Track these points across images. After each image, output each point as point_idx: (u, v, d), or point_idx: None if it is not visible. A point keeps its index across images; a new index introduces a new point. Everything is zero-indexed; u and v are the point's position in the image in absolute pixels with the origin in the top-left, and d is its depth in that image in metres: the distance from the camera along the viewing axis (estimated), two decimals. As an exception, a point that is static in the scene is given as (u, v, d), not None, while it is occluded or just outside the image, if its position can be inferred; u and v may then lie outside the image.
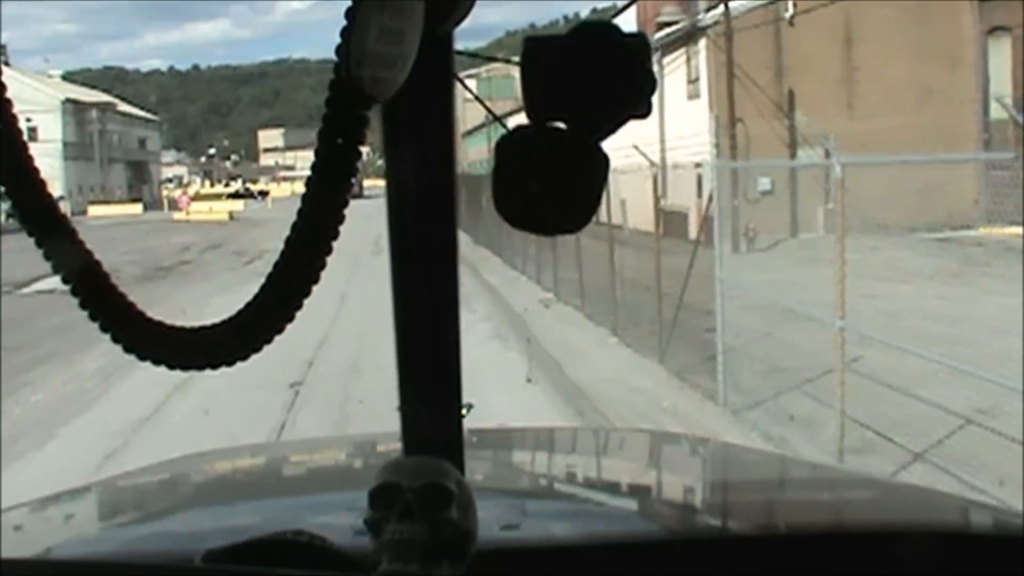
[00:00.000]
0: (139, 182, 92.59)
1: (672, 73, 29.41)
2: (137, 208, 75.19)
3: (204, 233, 44.86)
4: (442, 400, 1.24)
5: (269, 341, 1.00)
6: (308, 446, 3.54)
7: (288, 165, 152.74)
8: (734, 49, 25.78)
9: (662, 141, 30.02)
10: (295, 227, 0.99)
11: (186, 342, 0.99)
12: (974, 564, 1.43)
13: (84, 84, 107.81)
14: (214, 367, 1.00)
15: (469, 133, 61.98)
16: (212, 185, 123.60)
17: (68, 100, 78.10)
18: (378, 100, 0.98)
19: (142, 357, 0.99)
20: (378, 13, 0.93)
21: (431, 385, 1.24)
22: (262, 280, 1.00)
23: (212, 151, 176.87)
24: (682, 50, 28.51)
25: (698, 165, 27.71)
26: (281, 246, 1.01)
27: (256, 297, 1.00)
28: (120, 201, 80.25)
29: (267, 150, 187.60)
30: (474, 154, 59.13)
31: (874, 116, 25.28)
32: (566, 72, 1.06)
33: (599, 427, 8.55)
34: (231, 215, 60.56)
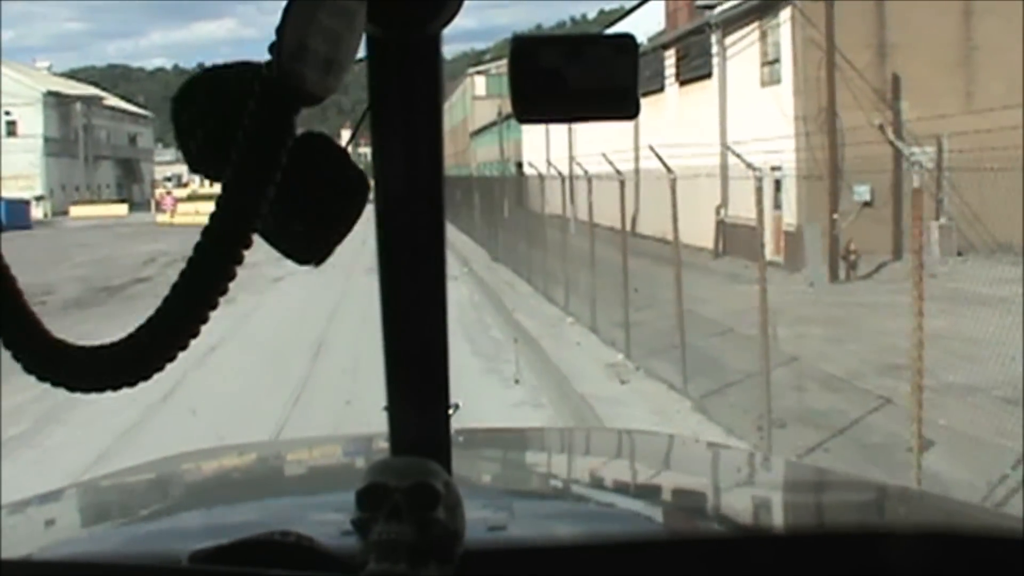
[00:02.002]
0: (129, 181, 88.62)
1: (738, 56, 23.95)
2: (123, 209, 71.36)
3: (184, 239, 39.62)
4: (430, 400, 1.24)
5: (167, 362, 0.91)
6: (296, 446, 3.41)
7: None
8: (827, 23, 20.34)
9: (723, 138, 24.58)
10: (203, 231, 0.91)
11: (83, 363, 0.91)
12: (966, 565, 1.42)
13: (87, 81, 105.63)
14: (114, 388, 0.91)
15: (478, 132, 59.90)
16: (212, 185, 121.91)
17: (50, 93, 73.39)
18: (306, 103, 0.91)
19: (41, 378, 0.91)
20: (315, 11, 0.90)
21: (419, 385, 1.24)
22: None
23: None
24: (754, 25, 23.06)
25: (775, 168, 22.35)
26: (263, 256, 1.04)
27: (155, 314, 0.91)
28: (106, 201, 75.94)
29: None
30: (484, 154, 57.29)
31: (997, 107, 19.79)
32: (553, 70, 1.12)
33: (587, 427, 8.33)
34: (219, 218, 55.35)
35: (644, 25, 33.93)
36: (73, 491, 2.40)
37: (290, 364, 13.01)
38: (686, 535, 1.64)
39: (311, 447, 2.99)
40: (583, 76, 1.12)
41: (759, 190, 12.01)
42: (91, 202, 73.85)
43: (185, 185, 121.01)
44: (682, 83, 28.56)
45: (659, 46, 30.21)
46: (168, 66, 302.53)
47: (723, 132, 24.85)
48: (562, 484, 2.22)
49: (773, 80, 22.16)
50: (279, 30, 0.89)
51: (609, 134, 32.15)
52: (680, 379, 10.62)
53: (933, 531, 1.59)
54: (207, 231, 0.91)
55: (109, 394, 0.93)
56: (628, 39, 1.16)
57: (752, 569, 1.44)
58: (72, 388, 0.92)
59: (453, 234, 35.60)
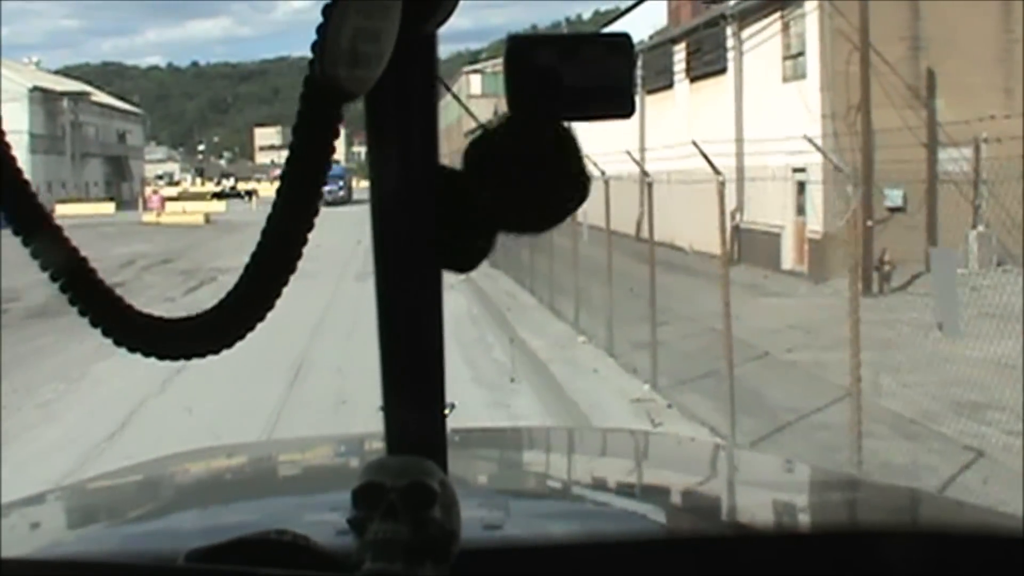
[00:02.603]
0: (118, 179, 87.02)
1: (756, 49, 22.33)
2: (109, 207, 69.63)
3: (166, 241, 38.67)
4: (425, 400, 1.24)
5: (246, 333, 1.00)
6: (292, 445, 3.40)
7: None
8: (856, 13, 18.72)
9: (739, 137, 23.00)
10: (270, 220, 0.98)
11: (167, 333, 1.00)
12: (965, 565, 1.42)
13: (81, 78, 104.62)
14: (200, 356, 1.01)
15: (473, 132, 57.23)
16: (204, 183, 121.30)
17: (36, 88, 71.60)
18: (352, 98, 0.97)
19: (132, 349, 0.99)
20: (354, 12, 0.93)
21: (414, 385, 1.24)
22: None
23: (202, 147, 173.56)
24: (774, 16, 21.44)
25: (798, 170, 20.74)
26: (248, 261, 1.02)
27: (232, 291, 1.00)
28: (93, 199, 74.31)
29: (263, 148, 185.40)
30: None
31: (1039, 107, 18.21)
32: (549, 70, 1.13)
33: (582, 427, 8.22)
34: (207, 218, 53.80)
35: (644, 23, 32.52)
36: (70, 491, 2.42)
37: (262, 391, 11.29)
38: (682, 534, 1.66)
39: (307, 447, 2.96)
40: (579, 75, 1.14)
41: (721, 194, 10.72)
42: (77, 200, 72.09)
43: (177, 183, 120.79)
44: (693, 79, 26.94)
45: (668, 40, 28.61)
46: (162, 64, 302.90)
47: (739, 130, 23.26)
48: (558, 483, 2.24)
49: (797, 75, 20.55)
50: (319, 29, 0.92)
51: (613, 133, 30.58)
52: (722, 419, 8.98)
53: (932, 531, 1.61)
54: (272, 218, 0.98)
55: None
56: (623, 38, 1.18)
57: (749, 569, 1.42)
58: (161, 356, 1.00)
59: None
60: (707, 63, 25.61)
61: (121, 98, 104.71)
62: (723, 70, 24.57)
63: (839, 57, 19.09)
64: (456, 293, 18.96)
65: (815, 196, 19.48)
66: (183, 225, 51.40)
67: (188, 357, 1.01)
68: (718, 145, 21.23)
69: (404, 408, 1.23)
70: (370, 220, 1.19)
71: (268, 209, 1.01)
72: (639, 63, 31.93)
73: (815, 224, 19.62)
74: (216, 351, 1.00)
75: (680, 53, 27.55)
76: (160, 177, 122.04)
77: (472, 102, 62.89)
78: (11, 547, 1.58)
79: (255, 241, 1.00)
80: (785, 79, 21.08)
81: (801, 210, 20.24)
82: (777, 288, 19.00)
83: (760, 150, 21.32)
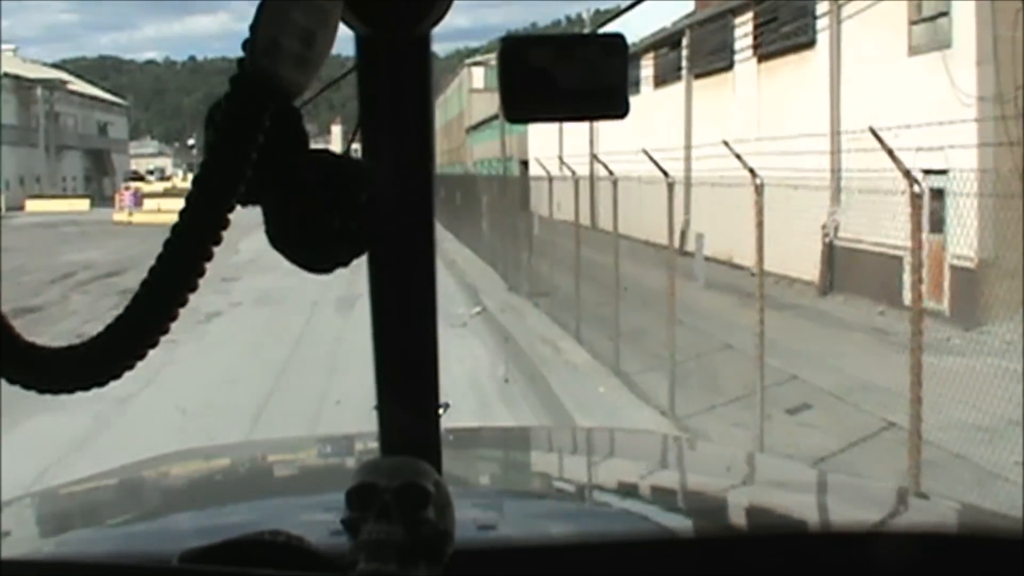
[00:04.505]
0: (99, 173, 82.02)
1: (865, 12, 17.05)
2: (84, 204, 64.37)
3: (128, 245, 33.73)
4: (419, 400, 1.24)
5: (134, 363, 0.92)
6: (285, 446, 3.26)
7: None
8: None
9: (835, 130, 17.83)
10: (173, 231, 0.90)
11: (44, 362, 0.91)
12: (964, 566, 1.42)
13: (75, 73, 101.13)
14: (83, 389, 0.92)
15: (475, 127, 57.28)
16: None
17: (7, 75, 66.29)
18: (277, 100, 0.91)
19: (11, 381, 0.91)
20: (289, 9, 0.90)
21: (408, 385, 1.24)
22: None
23: (192, 142, 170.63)
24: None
25: (932, 172, 15.53)
26: (220, 272, 0.89)
27: (124, 312, 0.91)
28: (68, 195, 69.26)
29: None
30: (481, 151, 54.42)
31: None
32: (544, 70, 1.12)
33: (576, 427, 8.00)
34: (183, 218, 48.47)
35: (655, 16, 27.92)
36: (62, 492, 2.33)
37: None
38: (677, 534, 1.65)
39: (302, 447, 2.94)
40: (573, 76, 1.14)
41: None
42: (52, 196, 67.14)
43: (167, 179, 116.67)
44: (763, 57, 21.68)
45: (727, 11, 23.36)
46: (159, 59, 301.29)
47: (834, 121, 18.01)
48: (552, 484, 2.23)
49: (935, 44, 15.25)
50: (252, 27, 0.90)
51: (651, 127, 25.42)
52: None
53: (931, 531, 1.60)
54: (176, 227, 0.91)
55: None
56: (618, 39, 1.17)
57: (745, 569, 1.42)
58: (41, 390, 0.92)
59: (453, 246, 28.58)
60: (786, 36, 20.36)
61: (107, 89, 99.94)
62: (810, 43, 19.33)
63: (1003, 17, 13.83)
64: (471, 337, 13.73)
65: (964, 209, 14.19)
66: (157, 225, 45.95)
67: (69, 391, 0.91)
68: (801, 141, 16.14)
69: (398, 408, 1.23)
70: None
71: (257, 208, 0.98)
72: (684, 41, 26.72)
73: (963, 247, 14.28)
74: (101, 383, 0.91)
75: (746, 25, 22.28)
76: (151, 172, 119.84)
77: (474, 96, 59.06)
78: (5, 548, 1.57)
79: (227, 245, 0.92)
80: (913, 50, 15.80)
81: (938, 227, 14.98)
82: (902, 328, 13.75)
83: (867, 145, 15.96)
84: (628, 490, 2.09)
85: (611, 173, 12.89)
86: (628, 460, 2.47)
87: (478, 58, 65.74)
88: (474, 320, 14.52)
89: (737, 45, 22.91)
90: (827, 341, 13.72)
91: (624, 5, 35.35)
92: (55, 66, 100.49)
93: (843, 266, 17.94)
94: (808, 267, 18.98)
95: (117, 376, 0.90)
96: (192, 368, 11.92)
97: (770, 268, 19.29)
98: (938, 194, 15.39)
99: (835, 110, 18.10)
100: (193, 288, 0.89)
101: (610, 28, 34.37)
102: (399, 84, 1.15)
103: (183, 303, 0.89)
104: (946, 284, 15.09)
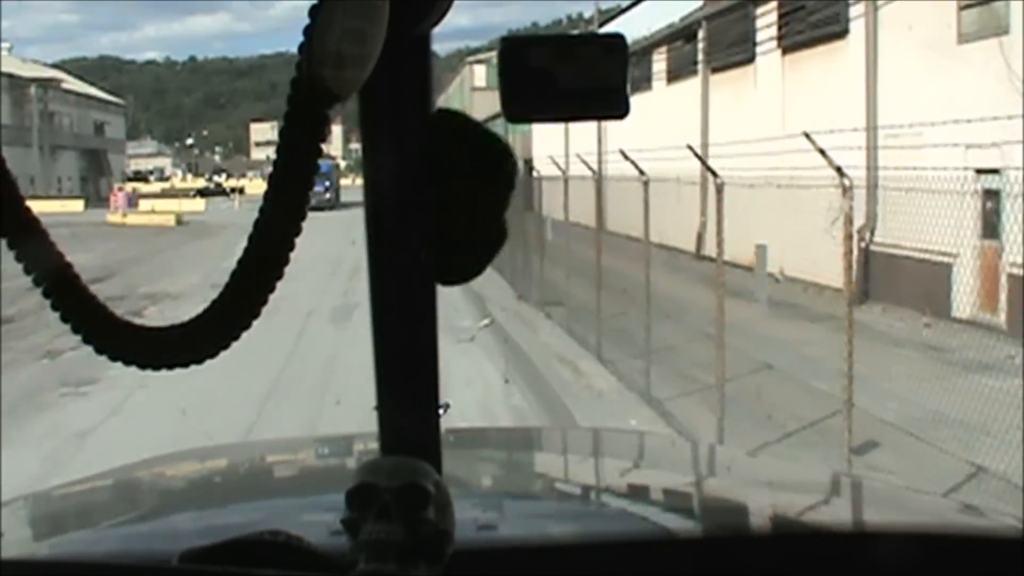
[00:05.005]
0: (96, 173, 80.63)
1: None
2: (78, 205, 63.17)
3: (118, 249, 32.71)
4: (419, 400, 1.24)
5: (230, 343, 0.99)
6: (285, 446, 3.27)
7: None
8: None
9: (871, 125, 16.52)
10: (257, 224, 0.97)
11: (153, 342, 0.99)
12: (960, 566, 1.42)
13: (76, 73, 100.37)
14: (183, 366, 0.99)
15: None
16: (196, 179, 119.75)
17: (1, 74, 64.96)
18: (340, 99, 0.97)
19: (113, 358, 0.99)
20: (341, 12, 0.93)
21: (408, 385, 1.24)
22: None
23: (190, 142, 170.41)
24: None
25: (985, 171, 14.15)
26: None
27: (217, 299, 0.98)
28: (62, 196, 68.05)
29: (259, 144, 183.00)
30: None
31: None
32: (544, 70, 1.13)
33: (577, 428, 7.96)
34: (179, 219, 47.22)
35: (661, 12, 26.84)
36: (62, 492, 2.31)
37: None
38: (676, 535, 1.64)
39: (302, 447, 2.94)
40: (573, 76, 1.14)
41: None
42: (46, 197, 65.88)
43: (167, 179, 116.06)
44: (788, 49, 20.33)
45: (747, 0, 22.02)
46: (160, 59, 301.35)
47: (871, 115, 16.67)
48: (552, 484, 2.22)
49: (989, 30, 13.89)
50: (307, 30, 0.92)
51: (664, 125, 24.11)
52: None
53: (931, 531, 1.59)
54: (259, 222, 0.96)
55: None
56: (618, 39, 1.17)
57: (743, 569, 1.42)
58: (143, 366, 0.98)
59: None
60: (814, 25, 18.99)
61: (105, 88, 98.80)
62: (842, 33, 17.97)
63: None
64: (479, 353, 12.38)
65: (1021, 211, 12.83)
66: (150, 227, 45.06)
67: (171, 367, 0.99)
68: (833, 137, 14.78)
69: (398, 408, 1.23)
70: (364, 220, 1.18)
71: (253, 208, 1.00)
72: (700, 34, 25.39)
73: (1020, 254, 12.91)
74: (200, 361, 0.98)
75: (769, 15, 20.92)
76: (151, 172, 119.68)
77: (476, 94, 58.04)
78: (4, 548, 1.58)
79: (224, 249, 1.21)
80: (964, 37, 14.44)
81: (992, 231, 13.63)
82: (969, 351, 12.35)
83: (906, 143, 14.78)
84: (628, 490, 2.08)
85: (642, 173, 11.57)
86: (628, 460, 2.47)
87: (480, 56, 64.85)
88: (484, 336, 13.17)
89: (759, 36, 21.55)
90: (875, 359, 12.29)
91: (626, 3, 34.32)
92: (55, 66, 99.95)
93: (880, 273, 16.58)
94: (839, 273, 17.65)
95: (212, 355, 0.97)
96: (147, 411, 10.34)
97: (797, 274, 18.09)
98: (992, 195, 14.08)
99: (871, 102, 16.75)
100: (279, 276, 0.96)
101: (616, 23, 33.15)
102: (399, 84, 1.15)
103: (271, 289, 0.96)
104: (1002, 295, 13.71)
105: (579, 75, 1.12)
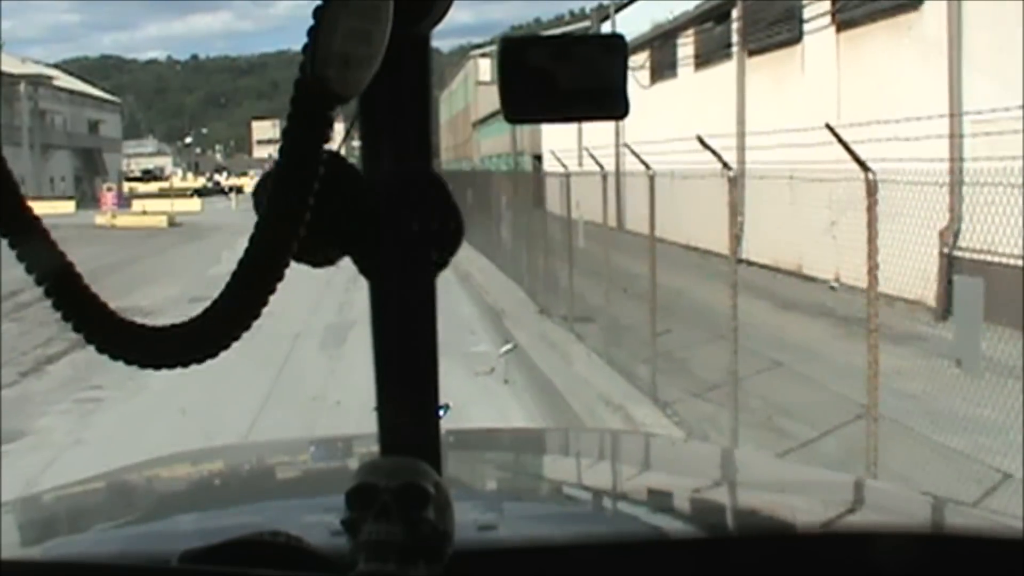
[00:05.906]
0: (90, 173, 78.60)
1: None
2: (69, 206, 61.13)
3: (100, 254, 30.67)
4: (419, 400, 1.23)
5: (231, 342, 0.98)
6: (285, 447, 3.25)
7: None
8: None
9: (954, 112, 14.15)
10: (258, 224, 0.97)
11: (154, 341, 0.99)
12: (960, 566, 1.41)
13: (76, 74, 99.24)
14: (184, 365, 0.99)
15: (482, 121, 55.53)
16: (196, 178, 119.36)
17: (-12, 71, 62.96)
18: (344, 100, 0.97)
19: (114, 357, 0.98)
20: (345, 13, 0.93)
21: (409, 386, 1.23)
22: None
23: (189, 141, 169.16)
24: None
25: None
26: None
27: (221, 295, 0.98)
28: (53, 197, 66.09)
29: (261, 142, 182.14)
30: (489, 146, 53.00)
31: None
32: (543, 71, 1.14)
33: (577, 428, 7.86)
34: (171, 220, 44.94)
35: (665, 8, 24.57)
36: (62, 493, 2.28)
37: None
38: (676, 535, 1.64)
39: (301, 448, 2.92)
40: (572, 76, 1.14)
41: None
42: (34, 198, 63.44)
43: (166, 178, 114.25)
44: (843, 25, 17.88)
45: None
46: (161, 58, 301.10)
47: (954, 101, 14.19)
48: (552, 485, 2.22)
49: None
50: (311, 32, 0.92)
51: (694, 115, 21.75)
52: None
53: (931, 532, 1.60)
54: (260, 222, 0.95)
55: None
56: (617, 39, 1.18)
57: (742, 569, 1.42)
58: (143, 365, 0.97)
59: (466, 254, 24.73)
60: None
61: (101, 87, 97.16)
62: (914, 3, 15.53)
63: None
64: (503, 393, 9.96)
65: None
66: (141, 229, 42.83)
67: (172, 366, 0.98)
68: (902, 127, 12.44)
69: (398, 409, 1.22)
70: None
71: (250, 208, 0.98)
72: (734, 13, 22.95)
73: None
74: (200, 360, 0.98)
75: (817, -9, 18.46)
76: (150, 171, 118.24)
77: (481, 89, 56.08)
78: (5, 548, 1.58)
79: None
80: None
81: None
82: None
83: (996, 128, 12.22)
84: (628, 491, 2.07)
85: (648, 167, 9.21)
86: (628, 461, 2.45)
87: (484, 49, 62.78)
88: (502, 365, 10.72)
89: (807, 13, 19.10)
90: (989, 397, 9.94)
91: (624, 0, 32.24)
92: (56, 66, 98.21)
93: (967, 284, 14.13)
94: (915, 283, 15.25)
95: (213, 355, 0.96)
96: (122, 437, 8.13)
97: (854, 282, 15.65)
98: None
99: (956, 87, 14.29)
100: (280, 276, 0.95)
101: (633, 8, 30.85)
102: (399, 84, 1.14)
103: (272, 289, 0.95)
104: None
105: (579, 75, 1.13)
